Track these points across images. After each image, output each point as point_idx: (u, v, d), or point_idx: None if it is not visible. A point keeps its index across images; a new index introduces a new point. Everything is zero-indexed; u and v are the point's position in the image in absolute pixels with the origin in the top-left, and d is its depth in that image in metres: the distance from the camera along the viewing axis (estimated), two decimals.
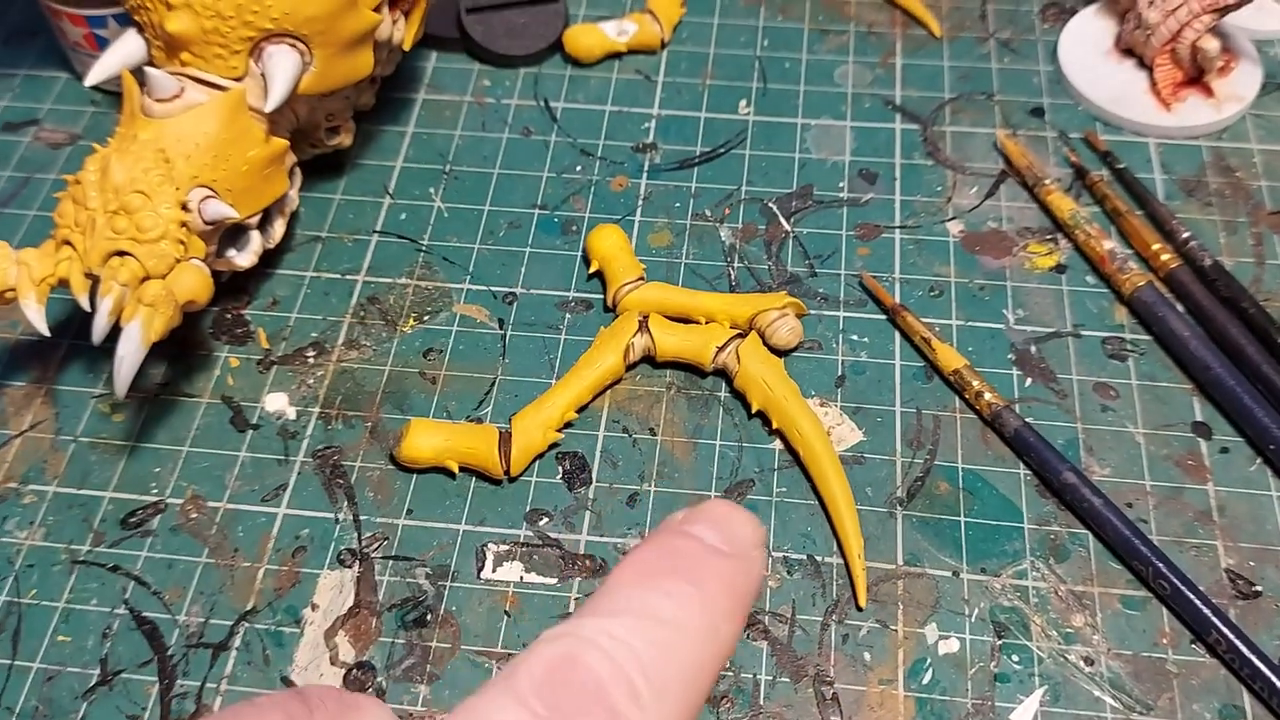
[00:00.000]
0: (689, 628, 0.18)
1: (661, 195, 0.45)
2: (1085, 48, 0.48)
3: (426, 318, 0.41)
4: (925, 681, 0.33)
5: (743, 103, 0.47)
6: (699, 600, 0.18)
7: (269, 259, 0.42)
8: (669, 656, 0.17)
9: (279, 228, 0.41)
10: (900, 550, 0.35)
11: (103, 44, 0.46)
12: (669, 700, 0.17)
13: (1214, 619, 0.33)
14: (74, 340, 0.41)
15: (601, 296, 0.42)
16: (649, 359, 0.40)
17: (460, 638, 0.34)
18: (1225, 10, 0.44)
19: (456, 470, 0.37)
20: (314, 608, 0.35)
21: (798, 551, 0.35)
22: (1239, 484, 0.36)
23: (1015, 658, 0.33)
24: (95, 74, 0.39)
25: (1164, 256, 0.41)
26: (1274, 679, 0.31)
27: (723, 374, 0.39)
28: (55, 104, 0.48)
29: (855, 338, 0.40)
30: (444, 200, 0.45)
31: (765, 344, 0.39)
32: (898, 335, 0.40)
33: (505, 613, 0.35)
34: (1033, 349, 0.40)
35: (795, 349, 0.40)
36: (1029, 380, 0.39)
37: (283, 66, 0.37)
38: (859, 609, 0.34)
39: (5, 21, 0.52)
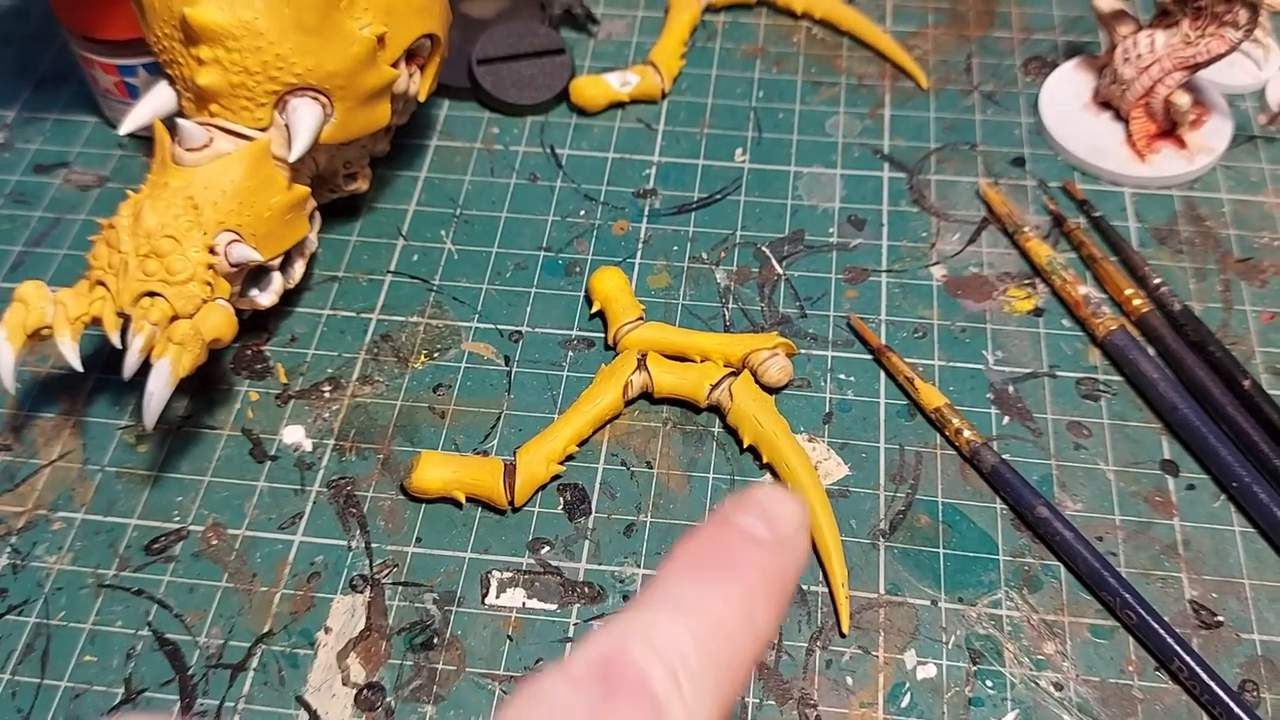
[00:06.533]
0: (728, 618, 0.20)
1: (660, 239, 0.47)
2: (1065, 101, 0.50)
3: (436, 354, 0.44)
4: (904, 705, 0.35)
5: (738, 151, 0.50)
6: (739, 591, 0.20)
7: (288, 298, 0.44)
8: (709, 646, 0.19)
9: (299, 269, 0.43)
10: (882, 580, 0.37)
11: (133, 91, 0.49)
12: (708, 687, 0.19)
13: (1177, 648, 0.35)
14: (101, 374, 0.43)
15: (603, 335, 0.44)
16: (647, 395, 0.42)
17: (465, 660, 0.36)
18: (1196, 67, 0.46)
19: (463, 500, 0.39)
20: (327, 630, 0.37)
21: None
22: (1204, 519, 0.38)
23: (989, 683, 0.35)
24: (129, 123, 0.41)
25: (1136, 301, 0.43)
26: (1232, 705, 0.33)
27: (716, 410, 0.41)
28: (85, 147, 0.51)
29: (843, 377, 0.42)
30: (454, 242, 0.47)
31: (757, 382, 0.41)
32: (883, 375, 0.42)
33: (508, 637, 0.36)
34: (1010, 389, 0.42)
35: (785, 387, 0.42)
36: (1006, 419, 0.41)
37: (306, 118, 0.40)
38: (842, 636, 0.36)
39: (37, 67, 0.54)
